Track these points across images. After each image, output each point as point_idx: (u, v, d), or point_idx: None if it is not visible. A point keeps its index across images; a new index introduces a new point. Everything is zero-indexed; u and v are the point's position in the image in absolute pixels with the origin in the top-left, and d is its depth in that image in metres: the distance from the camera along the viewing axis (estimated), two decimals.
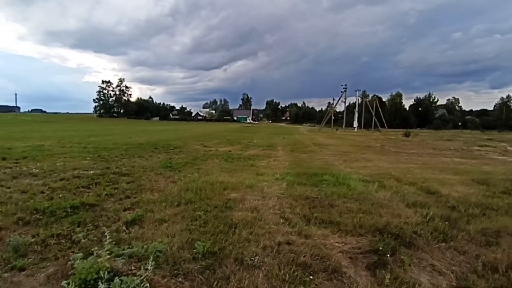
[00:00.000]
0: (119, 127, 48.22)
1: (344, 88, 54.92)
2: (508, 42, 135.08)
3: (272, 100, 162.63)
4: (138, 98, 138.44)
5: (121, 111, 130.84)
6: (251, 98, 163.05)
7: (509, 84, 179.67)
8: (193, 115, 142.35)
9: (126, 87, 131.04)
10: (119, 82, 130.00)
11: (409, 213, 4.85)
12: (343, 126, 55.24)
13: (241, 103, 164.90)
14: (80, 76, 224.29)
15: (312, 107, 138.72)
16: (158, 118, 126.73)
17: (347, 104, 62.69)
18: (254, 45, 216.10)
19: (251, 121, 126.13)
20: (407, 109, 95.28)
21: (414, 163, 12.42)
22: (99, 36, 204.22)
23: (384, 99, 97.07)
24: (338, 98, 57.47)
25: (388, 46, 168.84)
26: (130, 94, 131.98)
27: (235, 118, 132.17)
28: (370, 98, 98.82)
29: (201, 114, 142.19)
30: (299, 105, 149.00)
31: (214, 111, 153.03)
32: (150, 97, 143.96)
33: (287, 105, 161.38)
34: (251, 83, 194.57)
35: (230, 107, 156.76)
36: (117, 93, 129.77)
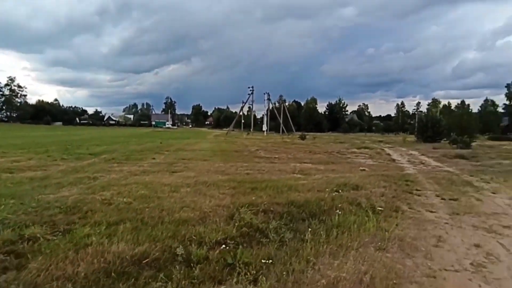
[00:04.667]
0: None
1: (250, 90, 52.87)
2: (409, 59, 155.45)
3: (198, 105, 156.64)
4: (38, 100, 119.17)
5: (14, 114, 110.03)
6: (174, 102, 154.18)
7: (410, 94, 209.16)
8: (105, 119, 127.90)
9: (19, 86, 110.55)
10: (9, 81, 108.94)
11: None
12: (251, 129, 53.16)
13: (164, 108, 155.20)
14: None
15: (235, 112, 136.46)
16: (61, 123, 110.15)
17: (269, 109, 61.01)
18: (188, 50, 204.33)
19: (170, 125, 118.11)
20: (323, 113, 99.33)
21: (180, 178, 9.06)
22: (7, 30, 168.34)
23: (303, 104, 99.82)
24: (245, 101, 55.17)
25: (315, 57, 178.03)
26: (25, 95, 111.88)
27: (153, 123, 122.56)
28: (289, 104, 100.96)
29: (114, 118, 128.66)
30: (227, 109, 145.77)
31: (132, 116, 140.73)
32: (56, 100, 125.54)
33: (213, 110, 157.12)
34: (184, 88, 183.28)
35: (156, 112, 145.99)
36: (6, 93, 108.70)
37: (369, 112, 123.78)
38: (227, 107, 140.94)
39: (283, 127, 53.82)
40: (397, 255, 3.62)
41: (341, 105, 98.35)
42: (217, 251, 3.29)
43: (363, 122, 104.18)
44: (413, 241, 4.13)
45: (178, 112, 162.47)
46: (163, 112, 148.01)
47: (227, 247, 3.41)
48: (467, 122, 31.30)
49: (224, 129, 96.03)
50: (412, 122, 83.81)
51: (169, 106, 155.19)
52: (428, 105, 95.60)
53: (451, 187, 7.76)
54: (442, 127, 31.43)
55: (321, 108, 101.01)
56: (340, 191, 6.47)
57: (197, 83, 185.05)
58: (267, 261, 3.10)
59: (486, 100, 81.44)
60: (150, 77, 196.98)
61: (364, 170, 11.06)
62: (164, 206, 5.02)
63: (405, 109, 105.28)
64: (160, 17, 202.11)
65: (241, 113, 59.11)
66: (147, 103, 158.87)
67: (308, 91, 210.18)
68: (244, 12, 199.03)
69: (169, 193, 6.07)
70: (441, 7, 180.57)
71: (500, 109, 75.59)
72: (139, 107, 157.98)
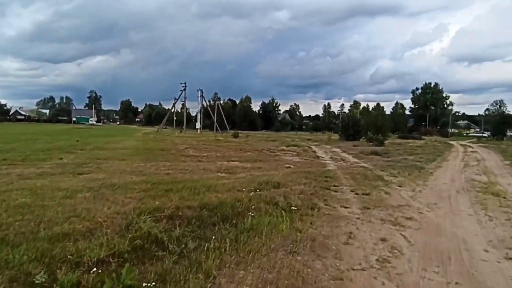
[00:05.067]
0: None
1: (183, 87, 50.80)
2: (336, 64, 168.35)
3: (128, 100, 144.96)
4: None
5: None
6: (100, 96, 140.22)
7: (336, 96, 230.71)
8: (10, 114, 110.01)
9: None
10: None
11: None
12: (184, 127, 51.17)
13: (87, 102, 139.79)
14: None
15: (168, 108, 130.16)
16: None
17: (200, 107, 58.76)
18: (116, 41, 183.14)
19: (94, 122, 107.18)
20: (257, 112, 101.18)
21: None
22: None
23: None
24: (177, 98, 52.91)
25: (250, 56, 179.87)
26: None
27: (74, 119, 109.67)
28: (224, 102, 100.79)
29: (23, 113, 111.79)
30: (159, 106, 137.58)
31: (47, 110, 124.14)
32: None
33: (144, 106, 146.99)
34: (112, 82, 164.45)
35: (79, 107, 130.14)
36: None
37: (300, 112, 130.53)
38: (160, 104, 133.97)
39: (217, 125, 53.10)
40: (307, 257, 3.44)
41: (274, 104, 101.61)
42: (94, 274, 2.64)
43: (295, 121, 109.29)
44: (325, 240, 4.04)
45: (104, 107, 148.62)
46: (86, 107, 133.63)
47: (110, 267, 2.78)
48: (381, 122, 34.94)
49: (156, 126, 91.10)
50: (337, 122, 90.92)
51: (94, 101, 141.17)
52: (350, 106, 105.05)
53: (364, 182, 8.22)
54: (361, 126, 34.56)
55: (256, 107, 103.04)
56: (260, 190, 6.24)
57: (127, 77, 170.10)
58: (156, 283, 2.57)
59: (396, 104, 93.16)
60: (71, 68, 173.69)
61: (289, 167, 11.20)
62: (45, 217, 4.08)
63: (332, 110, 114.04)
64: (83, 1, 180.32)
65: (173, 110, 56.57)
66: (67, 97, 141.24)
67: (243, 90, 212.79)
68: (179, 6, 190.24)
69: (60, 200, 5.06)
70: (362, 18, 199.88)
71: (407, 111, 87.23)
72: (57, 101, 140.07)
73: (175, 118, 54.94)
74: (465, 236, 4.48)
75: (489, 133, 70.45)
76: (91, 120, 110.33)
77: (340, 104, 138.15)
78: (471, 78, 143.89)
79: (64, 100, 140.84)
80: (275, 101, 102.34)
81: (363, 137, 32.11)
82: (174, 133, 47.51)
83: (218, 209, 4.59)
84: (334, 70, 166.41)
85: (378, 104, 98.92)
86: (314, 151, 20.17)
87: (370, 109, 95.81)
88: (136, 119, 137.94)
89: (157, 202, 4.90)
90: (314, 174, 9.04)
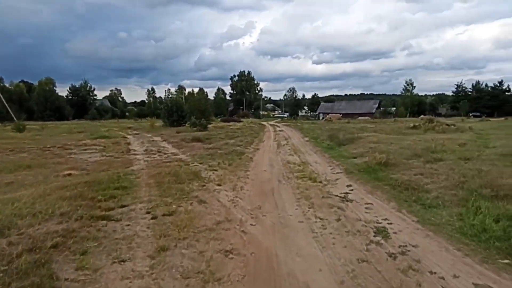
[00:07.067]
0: None
1: None
2: (160, 48, 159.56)
3: None
4: None
5: None
6: None
7: (163, 81, 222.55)
8: None
9: None
10: None
11: None
12: None
13: None
14: None
15: None
16: None
17: None
18: None
19: None
20: (66, 98, 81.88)
21: None
22: None
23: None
24: None
25: (56, 30, 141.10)
26: None
27: None
28: (12, 84, 78.11)
29: None
30: None
31: None
32: None
33: None
34: None
35: None
36: None
37: (123, 98, 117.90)
38: None
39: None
40: None
41: (88, 88, 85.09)
42: None
43: (116, 108, 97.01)
44: None
45: None
46: None
47: None
48: (204, 107, 34.51)
49: None
50: (162, 107, 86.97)
51: None
52: (175, 91, 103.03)
53: (173, 188, 5.83)
54: (186, 111, 32.92)
55: (64, 92, 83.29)
56: None
57: None
58: None
59: (218, 89, 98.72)
60: None
61: (69, 174, 7.44)
62: None
63: (159, 96, 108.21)
64: None
65: None
66: None
67: (48, 71, 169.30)
68: None
69: None
70: (183, 5, 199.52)
71: (227, 97, 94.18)
72: None
73: None
74: (309, 280, 2.82)
75: (287, 114, 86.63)
76: None
77: (167, 89, 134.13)
78: (273, 69, 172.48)
79: None
80: (89, 84, 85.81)
81: (188, 123, 30.59)
82: None
83: None
84: (159, 54, 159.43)
85: (201, 89, 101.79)
86: (129, 143, 16.50)
87: (195, 94, 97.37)
88: None
89: None
90: (99, 185, 5.86)
